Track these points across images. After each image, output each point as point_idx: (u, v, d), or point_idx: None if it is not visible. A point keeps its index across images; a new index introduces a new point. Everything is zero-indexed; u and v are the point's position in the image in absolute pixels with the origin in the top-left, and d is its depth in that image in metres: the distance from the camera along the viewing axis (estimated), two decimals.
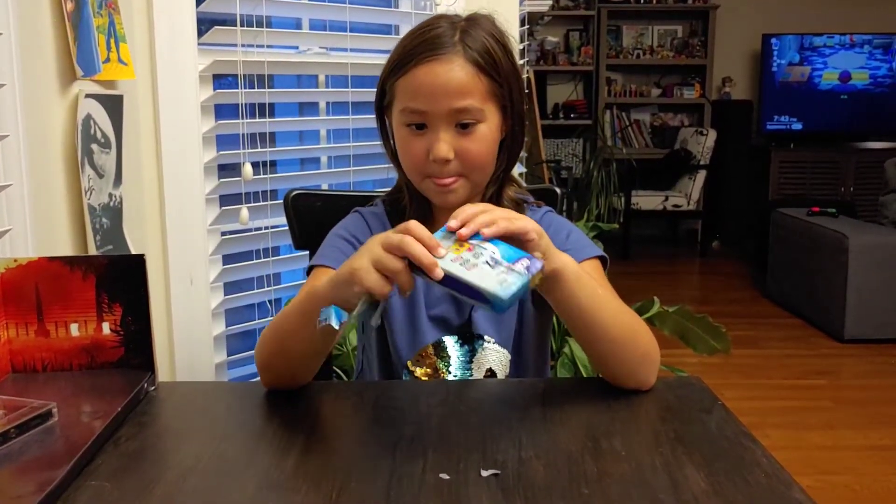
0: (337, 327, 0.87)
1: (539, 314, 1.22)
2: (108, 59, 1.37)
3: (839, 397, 3.34)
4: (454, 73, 1.09)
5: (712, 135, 5.83)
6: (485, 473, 0.79)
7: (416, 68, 1.10)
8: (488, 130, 1.13)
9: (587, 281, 1.00)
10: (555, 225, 1.20)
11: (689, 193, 5.88)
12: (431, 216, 1.19)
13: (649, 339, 1.04)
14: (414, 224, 0.87)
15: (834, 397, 3.33)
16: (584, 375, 2.02)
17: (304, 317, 0.96)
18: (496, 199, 1.19)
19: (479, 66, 1.10)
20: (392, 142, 1.20)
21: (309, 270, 1.16)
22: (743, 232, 6.02)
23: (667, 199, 5.88)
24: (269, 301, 1.85)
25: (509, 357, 1.20)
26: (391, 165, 1.23)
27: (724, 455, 0.84)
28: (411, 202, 1.20)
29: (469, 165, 1.12)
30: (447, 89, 1.09)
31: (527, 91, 2.95)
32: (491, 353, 1.19)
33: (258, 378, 1.05)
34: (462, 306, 1.19)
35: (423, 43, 1.11)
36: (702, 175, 5.84)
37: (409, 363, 1.19)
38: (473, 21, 1.14)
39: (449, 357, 1.19)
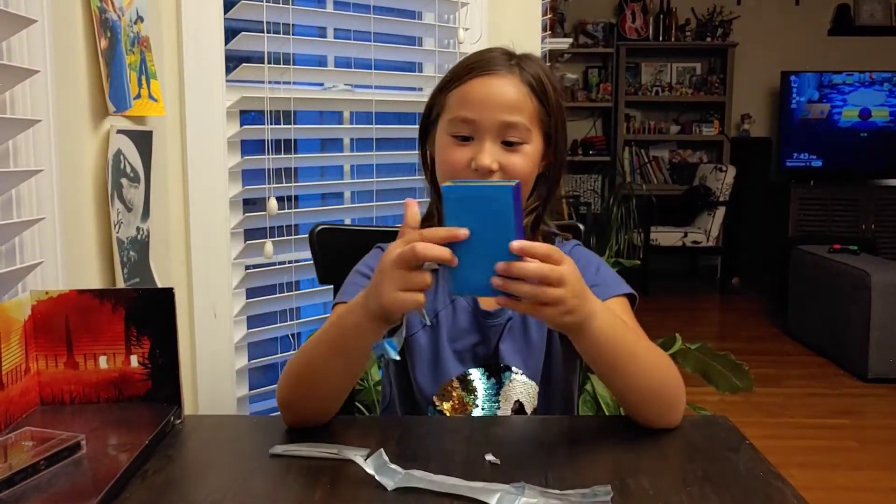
0: (397, 357, 0.94)
1: (566, 347, 1.22)
2: (138, 96, 1.40)
3: (863, 437, 3.29)
4: (508, 88, 1.13)
5: (731, 171, 5.82)
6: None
7: (471, 80, 1.14)
8: (532, 152, 1.15)
9: (621, 331, 0.98)
10: (583, 259, 1.19)
11: (708, 230, 5.86)
12: None
13: (678, 381, 1.04)
14: (417, 233, 0.88)
15: (858, 437, 3.29)
16: (607, 413, 2.00)
17: (340, 356, 0.99)
18: (532, 233, 1.19)
19: (532, 89, 1.15)
20: (430, 162, 1.22)
21: (333, 307, 1.17)
22: (762, 268, 5.99)
23: (686, 235, 5.87)
24: (291, 335, 1.85)
25: (537, 389, 1.20)
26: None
27: (754, 494, 0.83)
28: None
29: (511, 179, 1.13)
30: (500, 102, 1.12)
31: None
32: (518, 385, 1.19)
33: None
34: (488, 338, 1.19)
35: (480, 61, 1.16)
36: (721, 211, 5.83)
37: (434, 398, 1.18)
38: (527, 55, 1.19)
39: (475, 390, 1.18)
